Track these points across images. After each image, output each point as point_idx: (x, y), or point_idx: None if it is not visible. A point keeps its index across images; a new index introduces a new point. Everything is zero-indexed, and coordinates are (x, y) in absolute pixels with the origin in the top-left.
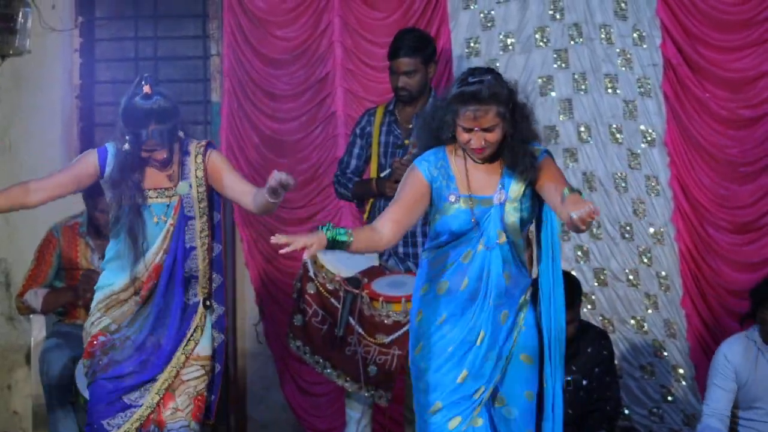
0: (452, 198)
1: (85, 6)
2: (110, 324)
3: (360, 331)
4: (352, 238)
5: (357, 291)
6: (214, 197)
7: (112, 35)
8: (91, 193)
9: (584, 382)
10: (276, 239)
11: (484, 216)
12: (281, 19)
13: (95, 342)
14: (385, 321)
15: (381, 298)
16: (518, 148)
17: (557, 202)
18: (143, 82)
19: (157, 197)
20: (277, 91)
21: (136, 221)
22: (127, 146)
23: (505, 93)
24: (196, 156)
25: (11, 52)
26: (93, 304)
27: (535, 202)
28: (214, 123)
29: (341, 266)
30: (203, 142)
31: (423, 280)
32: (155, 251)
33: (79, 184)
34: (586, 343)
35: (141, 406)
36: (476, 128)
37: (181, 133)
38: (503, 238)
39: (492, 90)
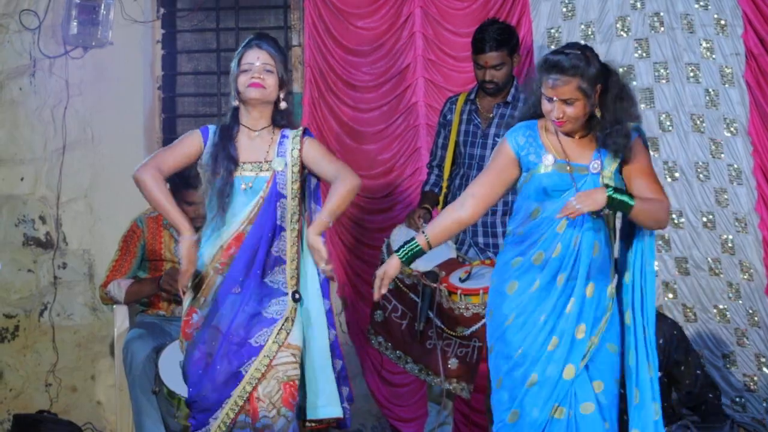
0: (547, 160)
1: None
2: (199, 296)
3: (440, 324)
4: (428, 239)
5: (435, 285)
6: (311, 187)
7: (193, 26)
8: (180, 186)
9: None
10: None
11: (581, 182)
12: (362, 11)
13: (190, 321)
14: (465, 313)
15: (459, 291)
16: (611, 129)
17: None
18: None
19: (250, 170)
20: (358, 81)
21: (227, 185)
22: (234, 102)
23: (592, 70)
24: (294, 137)
25: (93, 44)
26: (189, 283)
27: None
28: (295, 113)
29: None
30: (300, 129)
31: (514, 254)
32: (241, 220)
33: (188, 161)
34: (658, 335)
35: (232, 396)
36: (555, 98)
37: (283, 104)
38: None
39: (573, 62)
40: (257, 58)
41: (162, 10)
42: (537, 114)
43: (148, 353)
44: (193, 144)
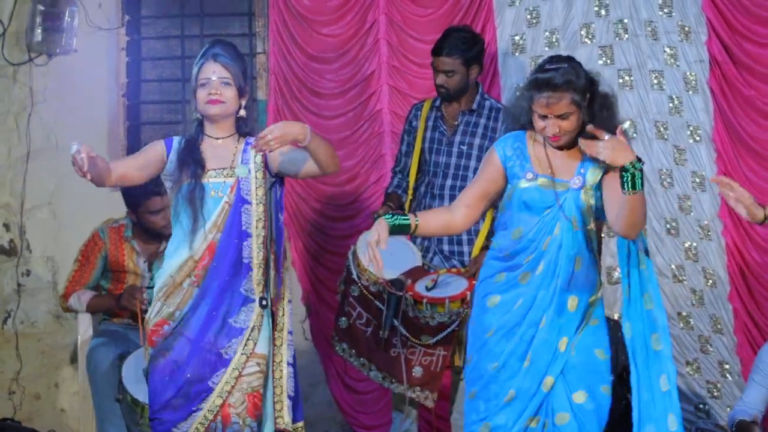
0: (529, 176)
1: (131, 4)
2: (174, 311)
3: (404, 332)
4: (417, 222)
5: (401, 293)
6: (276, 195)
7: (158, 33)
8: (140, 199)
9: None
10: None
11: (562, 198)
12: (327, 18)
13: (159, 330)
14: (430, 322)
15: (425, 300)
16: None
17: (610, 208)
18: None
19: (215, 177)
20: (323, 89)
21: (196, 191)
22: (196, 114)
23: (582, 82)
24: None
25: (58, 51)
26: (154, 295)
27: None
28: (260, 120)
29: (385, 268)
30: None
31: (498, 269)
32: (210, 227)
33: (150, 168)
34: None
35: (202, 410)
36: (550, 115)
37: (243, 112)
38: (577, 224)
39: (566, 77)
40: (213, 72)
41: (127, 17)
42: (522, 126)
43: (111, 361)
44: (155, 151)
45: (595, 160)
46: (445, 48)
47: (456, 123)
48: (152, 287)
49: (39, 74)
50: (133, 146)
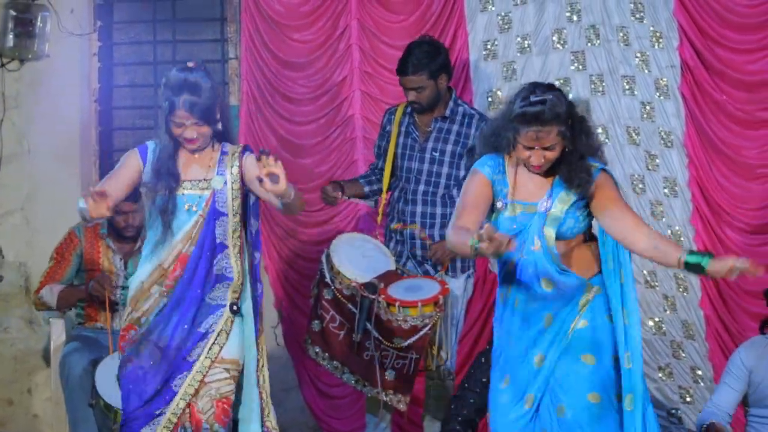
0: (499, 204)
1: (103, 10)
2: (140, 317)
3: (377, 335)
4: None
5: (373, 296)
6: (250, 202)
7: (130, 39)
8: None
9: None
10: None
11: (527, 223)
12: (299, 23)
13: (126, 336)
14: (402, 326)
15: (397, 303)
16: (575, 164)
17: (628, 236)
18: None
19: (191, 189)
20: (295, 94)
21: (170, 203)
22: (166, 134)
23: (565, 109)
24: (233, 154)
25: (30, 56)
26: (127, 301)
27: (585, 215)
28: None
29: (357, 271)
30: (240, 145)
31: (498, 287)
32: (182, 239)
33: (132, 184)
34: None
35: (166, 413)
36: (537, 147)
37: (218, 125)
38: (538, 246)
39: (554, 110)
40: (186, 118)
41: (99, 23)
42: (496, 150)
43: (85, 366)
44: (131, 164)
45: (570, 188)
46: (410, 66)
47: (429, 129)
48: (128, 287)
49: (11, 80)
50: (105, 152)
